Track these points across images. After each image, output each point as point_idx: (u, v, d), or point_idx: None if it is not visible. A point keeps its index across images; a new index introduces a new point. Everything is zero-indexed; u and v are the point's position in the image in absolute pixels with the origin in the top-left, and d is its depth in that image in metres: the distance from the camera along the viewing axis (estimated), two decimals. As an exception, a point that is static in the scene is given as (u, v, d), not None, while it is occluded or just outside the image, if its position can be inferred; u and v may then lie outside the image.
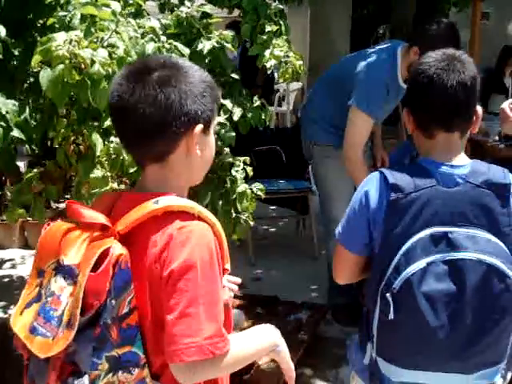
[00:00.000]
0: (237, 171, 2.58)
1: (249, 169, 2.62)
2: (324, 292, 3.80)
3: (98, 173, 2.17)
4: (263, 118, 2.74)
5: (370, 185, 1.63)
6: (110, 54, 1.90)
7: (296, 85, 8.50)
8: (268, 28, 2.73)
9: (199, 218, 1.23)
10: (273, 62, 2.67)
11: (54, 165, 2.35)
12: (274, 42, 2.71)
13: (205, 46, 2.53)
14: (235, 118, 2.63)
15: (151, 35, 2.27)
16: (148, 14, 2.59)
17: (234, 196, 2.54)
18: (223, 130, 2.57)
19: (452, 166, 1.59)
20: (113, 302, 1.15)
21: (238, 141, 2.64)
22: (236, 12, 3.15)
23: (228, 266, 1.31)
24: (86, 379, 1.14)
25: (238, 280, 1.49)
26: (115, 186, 2.22)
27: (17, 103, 2.01)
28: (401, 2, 6.69)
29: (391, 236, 1.54)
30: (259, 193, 2.65)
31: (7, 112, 1.95)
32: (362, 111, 3.12)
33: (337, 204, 3.36)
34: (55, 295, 1.19)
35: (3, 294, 3.98)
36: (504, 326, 1.53)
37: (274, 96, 8.30)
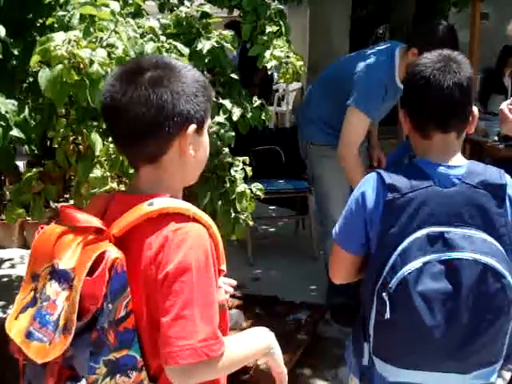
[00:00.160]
0: (236, 171, 2.58)
1: (248, 169, 2.62)
2: (323, 292, 3.80)
3: (97, 172, 2.18)
4: (263, 117, 2.74)
5: (367, 185, 1.63)
6: (108, 54, 1.90)
7: (295, 85, 8.49)
8: (268, 28, 2.74)
9: (194, 220, 1.22)
10: (273, 62, 2.67)
11: (53, 164, 2.35)
12: (274, 42, 2.71)
13: (204, 45, 2.54)
14: (235, 117, 2.63)
15: (150, 35, 2.27)
16: (147, 14, 2.59)
17: (234, 196, 2.54)
18: (222, 130, 2.57)
19: (448, 167, 1.60)
20: (109, 306, 1.14)
21: (237, 141, 2.65)
22: (236, 12, 3.16)
23: (224, 266, 1.30)
24: None
25: (233, 282, 1.48)
26: (114, 185, 2.22)
27: (16, 103, 2.01)
28: (400, 2, 6.68)
29: (388, 236, 1.55)
30: (258, 193, 2.65)
31: (7, 112, 1.94)
32: (360, 111, 3.12)
33: (333, 203, 3.36)
34: (51, 300, 1.18)
35: (2, 293, 3.99)
36: (500, 326, 1.54)
37: (274, 96, 8.30)
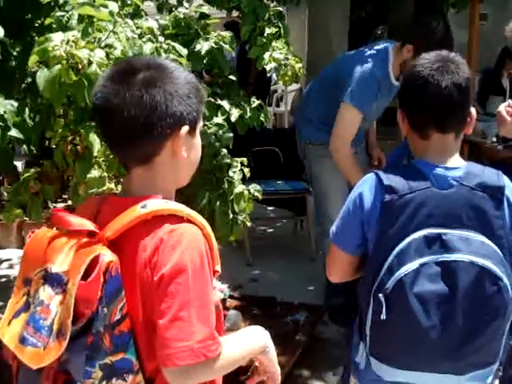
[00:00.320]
0: (234, 172, 2.58)
1: (246, 170, 2.62)
2: (321, 293, 3.79)
3: (95, 173, 2.17)
4: (261, 118, 2.74)
5: (365, 186, 1.64)
6: (107, 55, 1.90)
7: (294, 86, 8.48)
8: (267, 30, 2.74)
9: (188, 221, 1.22)
10: (272, 64, 2.67)
11: (51, 165, 2.34)
12: (273, 44, 2.71)
13: (203, 46, 2.54)
14: (233, 118, 2.63)
15: (149, 36, 2.27)
16: (146, 15, 2.59)
17: (232, 197, 2.54)
18: (221, 131, 2.57)
19: (446, 168, 1.60)
20: (105, 309, 1.13)
21: (235, 141, 2.64)
22: (235, 13, 3.16)
23: (218, 267, 1.29)
24: None
25: (223, 287, 1.48)
26: (112, 186, 2.22)
27: (15, 103, 2.01)
28: (399, 3, 6.68)
29: (385, 237, 1.55)
30: (256, 194, 2.65)
31: (5, 112, 1.95)
32: (353, 106, 3.14)
33: (331, 202, 3.36)
34: (44, 304, 1.17)
35: (0, 294, 3.98)
36: (497, 327, 1.54)
37: (272, 97, 8.30)
